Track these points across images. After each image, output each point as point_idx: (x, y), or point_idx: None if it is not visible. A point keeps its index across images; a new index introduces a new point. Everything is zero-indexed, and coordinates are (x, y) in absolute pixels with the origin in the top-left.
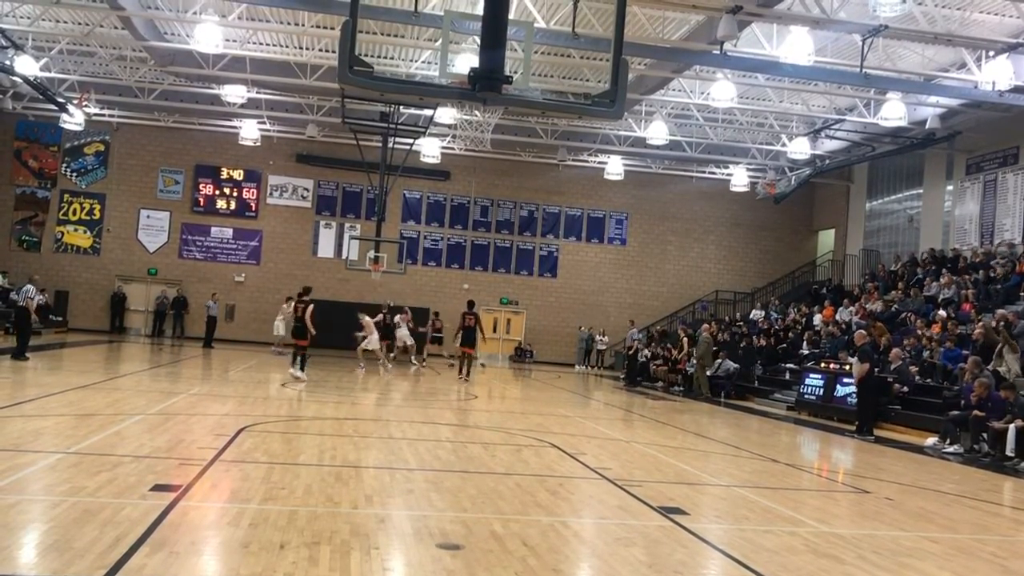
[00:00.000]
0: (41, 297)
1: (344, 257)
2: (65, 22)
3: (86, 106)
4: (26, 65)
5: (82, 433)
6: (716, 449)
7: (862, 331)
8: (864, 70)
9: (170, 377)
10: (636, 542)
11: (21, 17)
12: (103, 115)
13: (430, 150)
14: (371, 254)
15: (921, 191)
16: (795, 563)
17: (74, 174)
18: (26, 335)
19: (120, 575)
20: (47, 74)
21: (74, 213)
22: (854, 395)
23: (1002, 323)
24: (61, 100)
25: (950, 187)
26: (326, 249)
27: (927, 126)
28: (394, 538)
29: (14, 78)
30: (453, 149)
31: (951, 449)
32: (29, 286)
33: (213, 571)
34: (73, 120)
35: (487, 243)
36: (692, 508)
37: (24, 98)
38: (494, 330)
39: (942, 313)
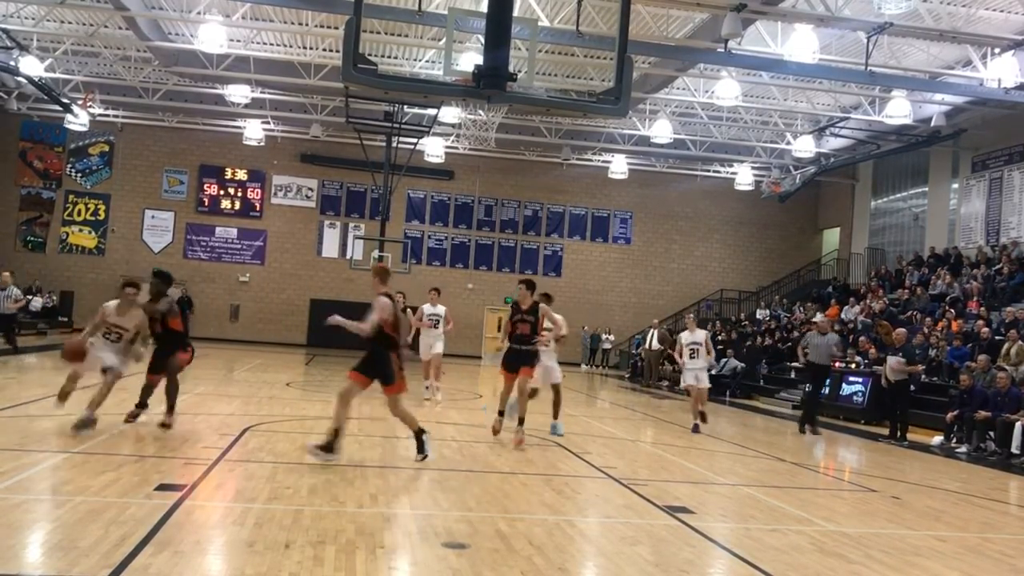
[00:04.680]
0: (35, 299)
1: (348, 257)
2: (69, 23)
3: (90, 106)
4: (31, 66)
5: (87, 433)
6: (722, 448)
7: (902, 329)
8: (869, 68)
9: None
10: (642, 541)
11: (26, 18)
12: (107, 115)
13: (434, 149)
14: (375, 254)
15: (926, 189)
16: (802, 562)
17: (79, 175)
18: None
19: (125, 574)
20: (52, 75)
21: (79, 214)
22: (861, 394)
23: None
24: (66, 101)
25: (955, 185)
26: (330, 249)
27: (932, 124)
28: (399, 537)
29: (19, 79)
30: (457, 148)
31: (964, 449)
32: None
33: (218, 570)
34: (78, 121)
35: (491, 242)
36: (698, 507)
37: (29, 99)
38: (498, 330)
39: (951, 311)
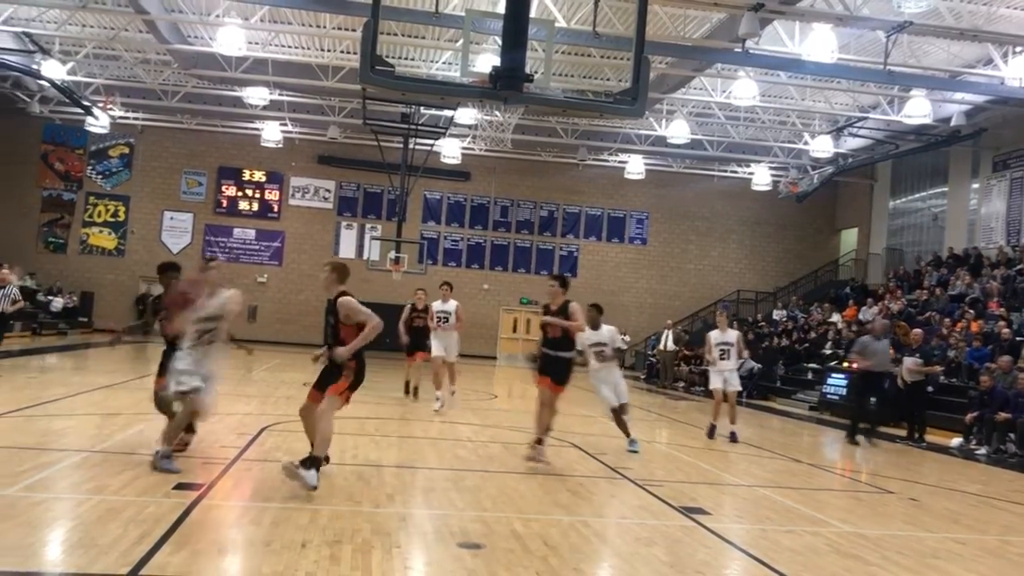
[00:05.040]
0: (56, 300)
1: (365, 258)
2: (91, 26)
3: (111, 109)
4: (53, 69)
5: (106, 432)
6: (738, 449)
7: (919, 330)
8: (888, 67)
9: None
10: (657, 542)
11: (48, 22)
12: (128, 118)
13: (450, 151)
14: (392, 255)
15: (946, 189)
16: (818, 563)
17: (99, 176)
18: None
19: (144, 572)
20: (73, 78)
21: (99, 215)
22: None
23: None
24: (87, 103)
25: (976, 185)
26: (347, 250)
27: (952, 123)
28: (415, 537)
29: (41, 82)
30: (473, 150)
31: (984, 451)
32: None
33: (235, 569)
34: (98, 123)
35: (507, 243)
36: (714, 508)
37: (51, 102)
38: (514, 330)
39: (971, 312)
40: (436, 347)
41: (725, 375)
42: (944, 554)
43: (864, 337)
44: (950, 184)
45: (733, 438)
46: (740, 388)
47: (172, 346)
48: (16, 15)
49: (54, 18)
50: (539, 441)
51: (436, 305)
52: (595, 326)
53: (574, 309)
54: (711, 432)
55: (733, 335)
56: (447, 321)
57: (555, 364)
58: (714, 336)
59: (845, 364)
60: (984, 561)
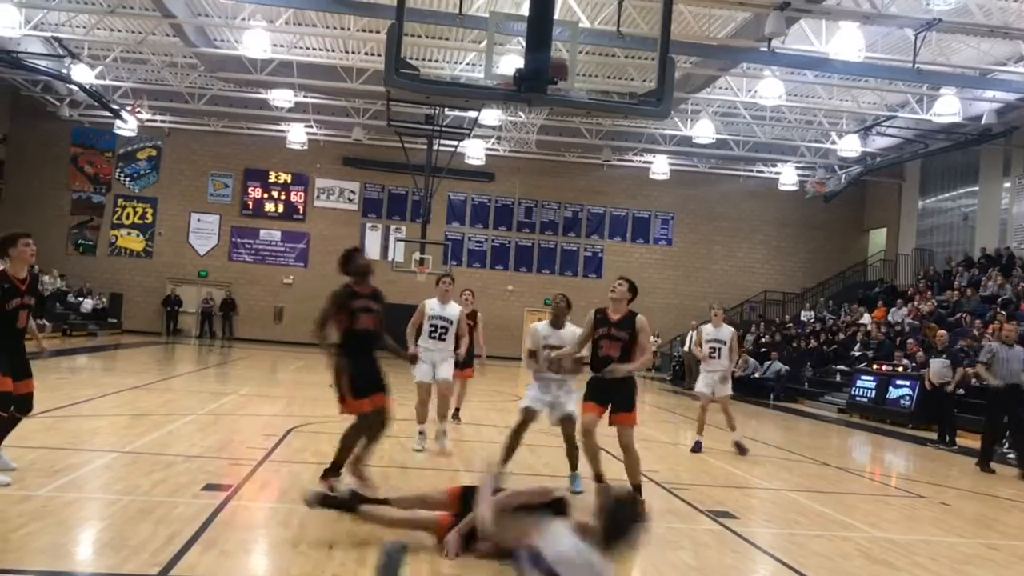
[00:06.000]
0: (86, 301)
1: (390, 259)
2: (119, 31)
3: (139, 112)
4: (82, 73)
5: (136, 432)
6: (765, 452)
7: (944, 332)
8: (917, 65)
9: (220, 378)
10: (684, 546)
11: (77, 27)
12: (155, 121)
13: (474, 152)
14: (416, 256)
15: (976, 188)
16: (847, 568)
17: (127, 179)
18: None
19: (173, 572)
20: (102, 82)
21: (127, 217)
22: (908, 398)
23: None
24: (115, 107)
25: (1007, 184)
26: (372, 251)
27: (983, 121)
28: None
29: (71, 86)
30: (497, 151)
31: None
32: None
33: (263, 570)
34: (126, 126)
35: (531, 244)
36: (741, 512)
37: (80, 105)
38: None
39: (1003, 313)
40: (426, 369)
41: (713, 378)
42: (976, 560)
43: (993, 343)
44: (981, 183)
45: (740, 449)
46: (731, 392)
47: (357, 349)
48: (46, 20)
49: (83, 23)
50: (598, 478)
51: (431, 305)
52: (558, 324)
53: (642, 325)
54: (696, 447)
55: (727, 332)
56: (446, 333)
57: (612, 390)
58: (707, 330)
59: (973, 376)
60: (1018, 567)
